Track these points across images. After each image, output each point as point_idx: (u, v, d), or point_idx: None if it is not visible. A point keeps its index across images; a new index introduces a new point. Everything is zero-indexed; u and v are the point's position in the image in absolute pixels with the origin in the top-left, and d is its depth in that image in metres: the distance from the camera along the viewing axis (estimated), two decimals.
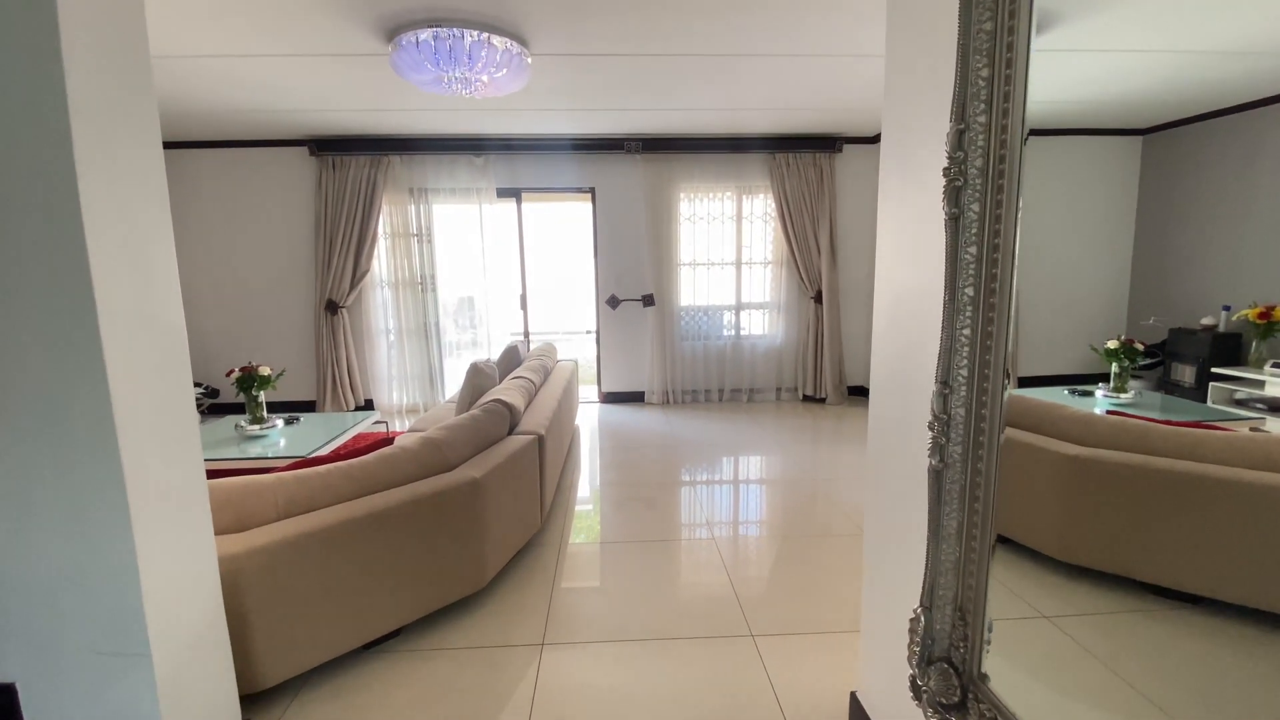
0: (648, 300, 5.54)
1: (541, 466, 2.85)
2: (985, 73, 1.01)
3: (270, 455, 3.52)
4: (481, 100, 4.14)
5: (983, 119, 1.02)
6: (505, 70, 3.22)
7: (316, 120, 4.63)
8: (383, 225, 5.35)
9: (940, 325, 1.12)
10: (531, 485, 2.74)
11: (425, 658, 2.04)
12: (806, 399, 5.76)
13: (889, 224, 1.47)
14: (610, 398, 5.80)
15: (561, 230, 7.81)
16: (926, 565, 1.19)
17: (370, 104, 4.25)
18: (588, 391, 5.96)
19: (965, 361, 1.08)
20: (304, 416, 4.29)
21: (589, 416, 5.34)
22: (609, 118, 4.70)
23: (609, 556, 2.73)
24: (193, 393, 1.47)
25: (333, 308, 5.32)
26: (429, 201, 5.40)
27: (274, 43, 3.13)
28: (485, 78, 3.33)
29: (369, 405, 5.62)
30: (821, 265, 5.50)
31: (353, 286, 5.33)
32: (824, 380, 5.62)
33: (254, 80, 3.69)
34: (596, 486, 3.67)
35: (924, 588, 1.19)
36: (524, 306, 5.68)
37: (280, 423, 4.02)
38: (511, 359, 4.23)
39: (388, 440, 2.54)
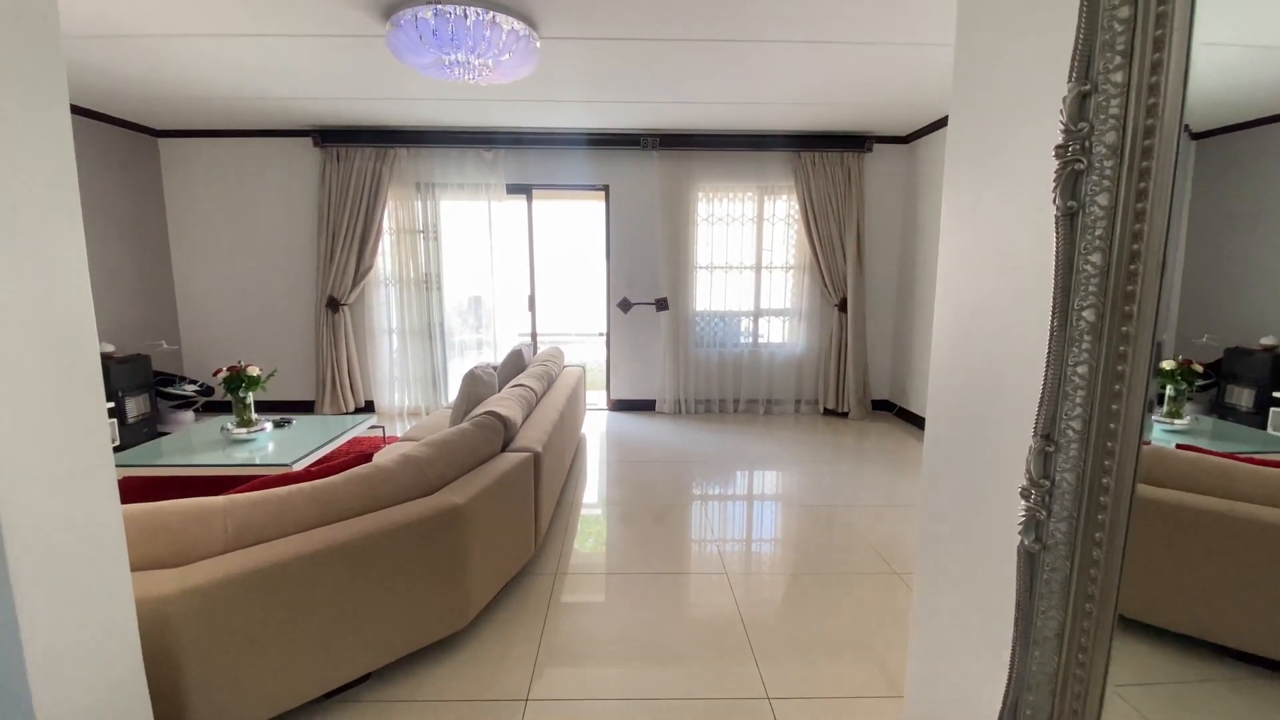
0: (661, 304, 5.27)
1: (537, 487, 2.58)
2: (1125, 11, 0.72)
3: (257, 461, 3.31)
4: (489, 89, 3.90)
5: (1119, 76, 0.73)
6: (511, 54, 2.97)
7: (321, 109, 4.42)
8: (388, 221, 5.14)
9: (1041, 359, 0.83)
10: (525, 508, 2.48)
11: (393, 711, 1.79)
12: (827, 413, 5.45)
13: (958, 223, 1.18)
14: (620, 405, 5.53)
15: (572, 230, 7.57)
16: (1010, 675, 0.90)
17: (373, 91, 4.02)
18: (597, 397, 5.70)
19: (1080, 410, 0.79)
20: (296, 419, 4.08)
21: (597, 425, 5.08)
22: (625, 111, 4.43)
23: (607, 591, 2.46)
24: (104, 406, 1.22)
25: (334, 305, 5.11)
26: (436, 197, 5.18)
27: (263, 21, 2.91)
28: (490, 62, 3.08)
29: (369, 407, 5.41)
30: (847, 271, 5.18)
31: (355, 284, 5.12)
32: (846, 393, 5.30)
33: (248, 63, 3.47)
34: (600, 506, 3.40)
35: (1005, 704, 0.91)
36: (532, 308, 5.44)
37: (269, 426, 3.80)
38: (515, 364, 3.97)
39: (365, 456, 2.30)
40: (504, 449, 2.57)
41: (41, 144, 1.07)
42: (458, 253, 5.28)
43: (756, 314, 5.44)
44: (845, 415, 5.34)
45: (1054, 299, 0.81)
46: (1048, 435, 0.82)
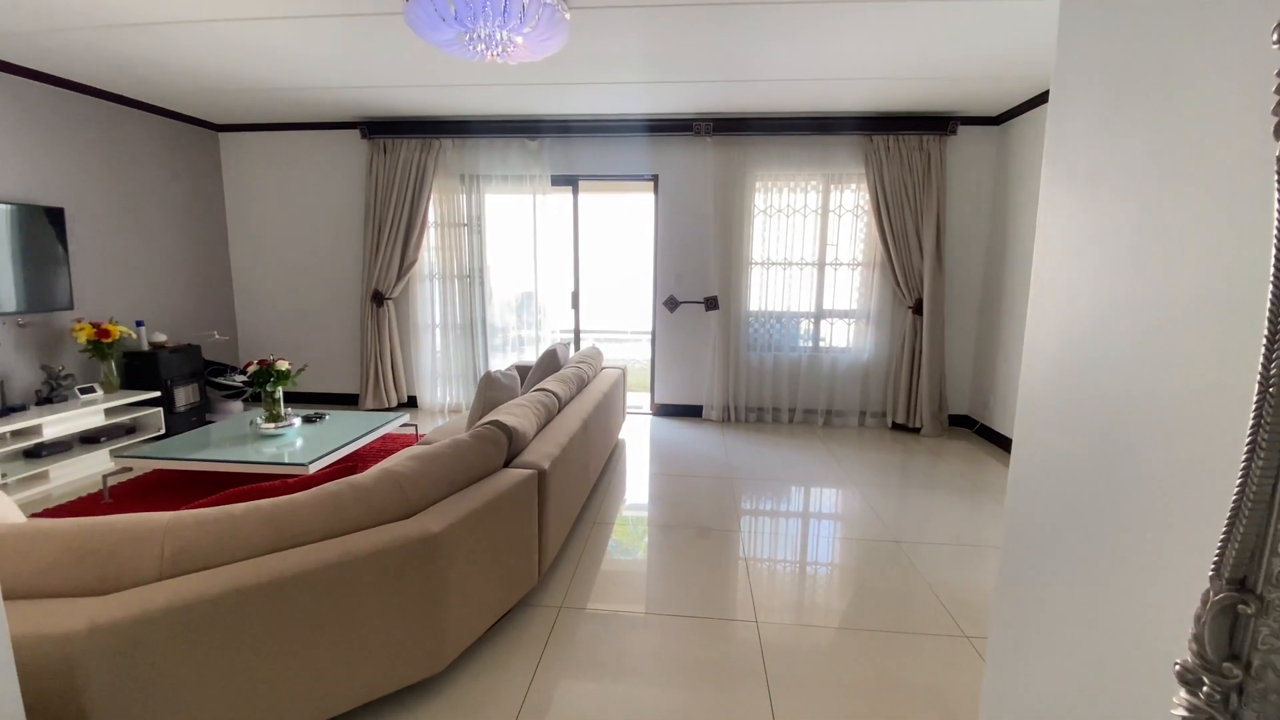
0: (711, 303, 4.88)
1: (542, 508, 2.30)
2: None
3: (286, 459, 3.22)
4: (528, 71, 3.66)
5: None
6: (535, 25, 2.69)
7: (369, 99, 4.33)
8: (433, 214, 5.03)
9: (1220, 425, 0.44)
10: (525, 532, 2.20)
11: None
12: (896, 427, 4.89)
13: (1066, 200, 0.78)
14: (664, 410, 5.19)
15: (619, 224, 7.29)
16: None
17: (414, 79, 3.87)
18: (640, 400, 5.39)
19: None
20: (330, 414, 4.02)
21: (638, 430, 4.77)
22: (675, 93, 4.08)
23: (613, 632, 2.14)
24: None
25: (379, 299, 5.06)
26: (480, 190, 5.02)
27: (281, 3, 2.77)
28: (519, 39, 2.82)
29: (412, 402, 5.34)
30: (924, 270, 4.61)
31: (400, 277, 5.04)
32: (919, 406, 4.73)
33: (284, 51, 3.38)
34: (626, 526, 3.09)
35: None
36: (575, 305, 5.19)
37: (297, 421, 3.74)
38: (549, 364, 3.72)
39: (350, 469, 2.09)
40: (509, 463, 2.31)
41: None
42: (501, 247, 5.11)
43: (818, 315, 4.95)
44: (917, 431, 4.77)
45: (1271, 325, 0.41)
46: (1241, 582, 0.43)
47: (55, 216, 3.73)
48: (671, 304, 5.00)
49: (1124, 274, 0.66)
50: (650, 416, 5.18)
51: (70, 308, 3.82)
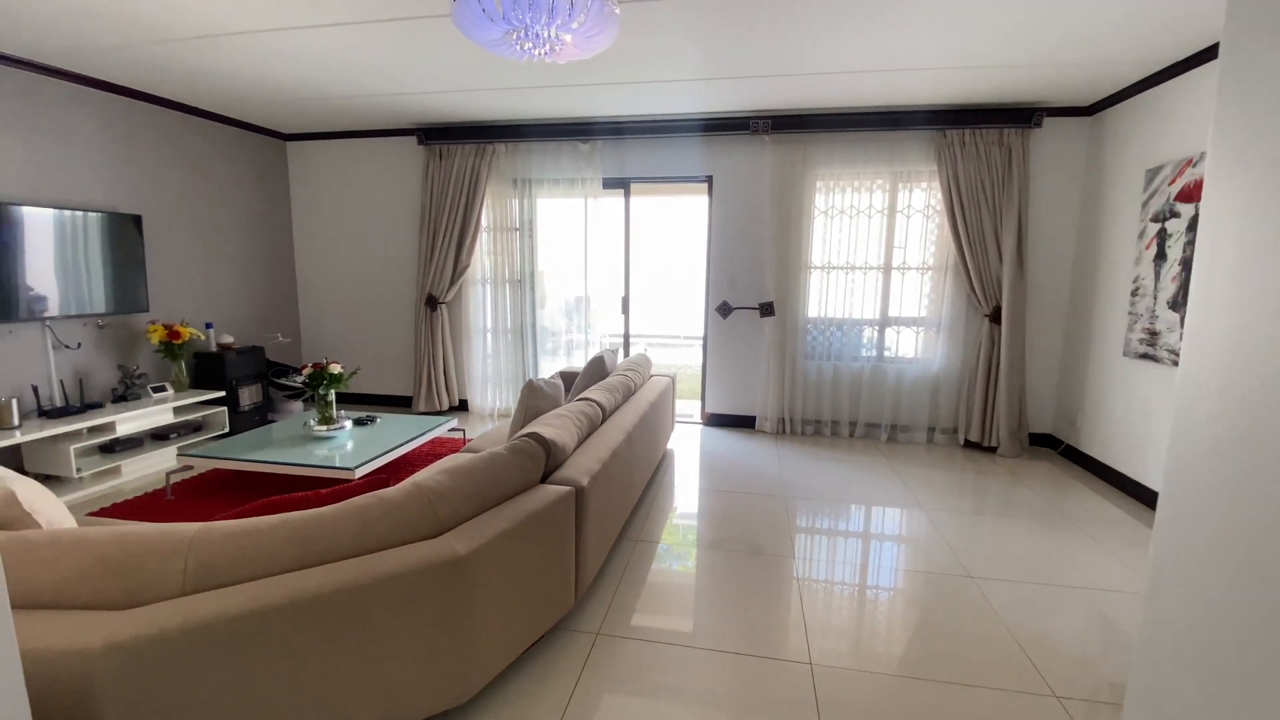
0: (766, 309, 4.66)
1: (580, 527, 2.18)
2: None
3: (336, 461, 3.25)
4: (580, 71, 3.58)
5: None
6: (583, 20, 2.59)
7: (426, 105, 4.36)
8: (485, 218, 5.04)
9: None
10: (562, 553, 2.08)
11: None
12: (969, 445, 4.52)
13: (1247, 199, 0.58)
14: (715, 420, 5.00)
15: (671, 227, 7.14)
16: None
17: (469, 83, 3.86)
18: (691, 408, 5.23)
19: None
20: (381, 417, 4.05)
21: (687, 440, 4.60)
22: (730, 90, 3.90)
23: (652, 663, 1.99)
24: None
25: (433, 303, 5.11)
26: (532, 194, 4.99)
27: (330, 10, 2.78)
28: (568, 36, 2.73)
29: (463, 406, 5.37)
30: (1003, 274, 4.24)
31: (453, 282, 5.07)
32: (996, 423, 4.35)
33: (340, 58, 3.42)
34: (672, 546, 2.93)
35: None
36: (625, 310, 5.07)
37: (348, 424, 3.78)
38: (596, 371, 3.62)
39: (384, 483, 2.03)
40: (546, 478, 2.20)
41: None
42: (552, 251, 5.07)
43: (883, 323, 4.65)
44: (993, 450, 4.39)
45: None
46: None
47: (135, 223, 3.92)
48: (725, 309, 4.81)
49: None
50: (700, 426, 5.00)
51: (146, 310, 4.01)
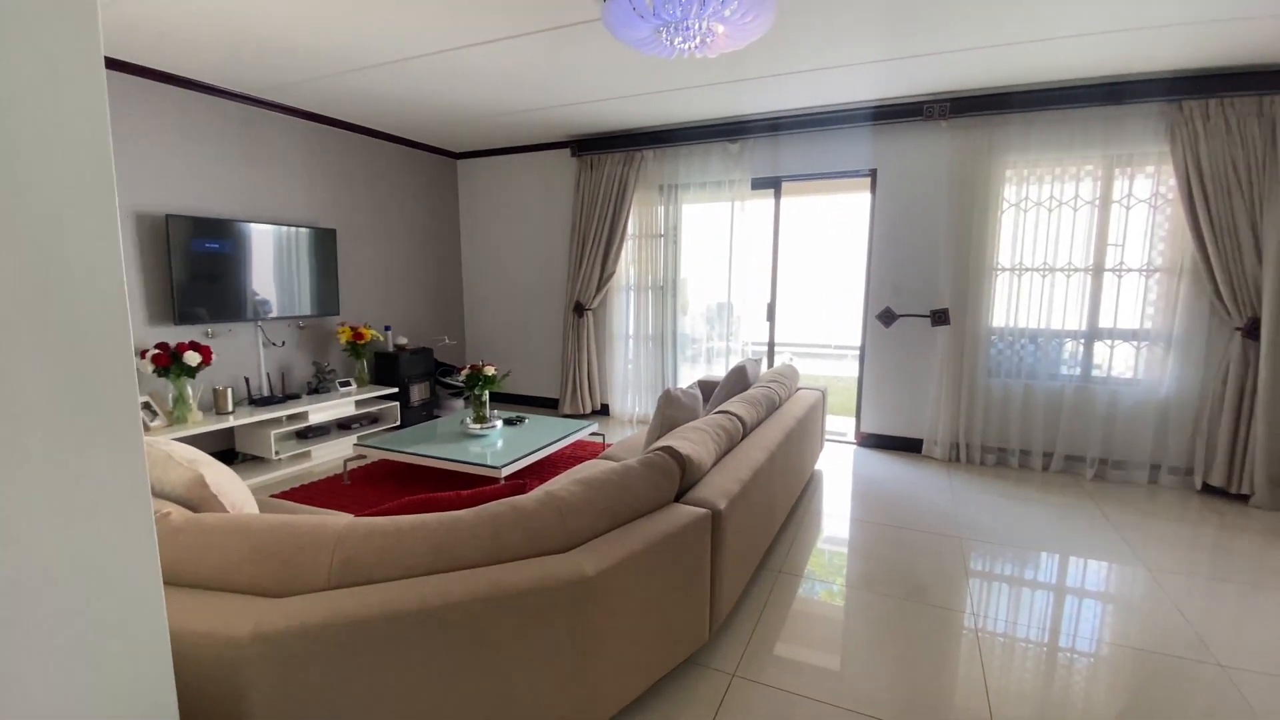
0: (939, 318, 4.10)
1: (715, 554, 1.98)
2: None
3: (487, 459, 3.38)
4: (724, 68, 3.41)
5: None
6: (735, 6, 2.41)
7: (580, 117, 4.47)
8: (631, 226, 5.05)
9: None
10: (696, 581, 1.90)
11: None
12: (1208, 490, 3.60)
13: None
14: (871, 441, 4.51)
15: (824, 228, 6.64)
16: None
17: (609, 91, 3.87)
18: (844, 426, 4.78)
19: None
20: (529, 418, 4.20)
21: (839, 462, 4.19)
22: (902, 71, 3.48)
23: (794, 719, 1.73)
24: (137, 422, 1.03)
25: (580, 309, 5.23)
26: (678, 200, 4.91)
27: (486, 28, 2.89)
28: (720, 26, 2.58)
29: (604, 410, 5.42)
30: (1262, 278, 3.32)
31: (599, 289, 5.15)
32: (1250, 465, 3.41)
33: (497, 73, 3.58)
34: (820, 581, 2.62)
35: None
36: (771, 317, 4.78)
37: (499, 424, 3.95)
38: (737, 382, 3.41)
39: (521, 488, 2.00)
40: (680, 496, 2.04)
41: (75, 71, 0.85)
42: (696, 256, 4.95)
43: (1091, 335, 3.87)
44: (1244, 499, 3.45)
45: None
46: None
47: (331, 237, 4.46)
48: (887, 317, 4.32)
49: None
50: (854, 446, 4.54)
51: (337, 313, 4.54)
